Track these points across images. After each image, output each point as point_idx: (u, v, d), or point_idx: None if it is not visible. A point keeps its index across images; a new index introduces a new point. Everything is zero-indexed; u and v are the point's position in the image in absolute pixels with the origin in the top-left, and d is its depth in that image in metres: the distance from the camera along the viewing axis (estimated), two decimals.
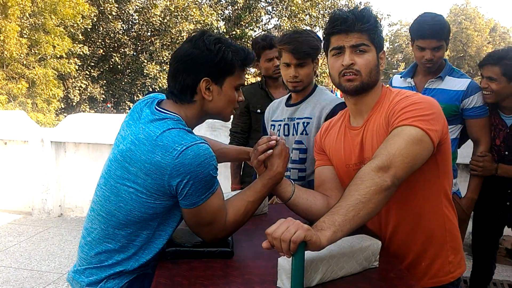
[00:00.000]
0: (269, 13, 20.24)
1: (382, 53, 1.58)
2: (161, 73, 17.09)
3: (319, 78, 20.32)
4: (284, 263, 1.22)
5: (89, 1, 15.26)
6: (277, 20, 19.82)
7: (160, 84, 17.21)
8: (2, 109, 11.61)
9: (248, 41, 17.55)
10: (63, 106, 15.55)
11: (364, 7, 1.60)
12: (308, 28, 20.30)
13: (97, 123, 5.47)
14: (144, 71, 17.03)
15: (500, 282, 3.52)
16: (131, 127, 1.45)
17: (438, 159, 1.49)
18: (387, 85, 1.83)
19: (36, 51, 13.65)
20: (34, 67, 13.39)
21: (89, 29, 15.76)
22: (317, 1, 19.52)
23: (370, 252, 1.35)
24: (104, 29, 16.82)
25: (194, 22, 16.92)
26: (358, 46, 1.50)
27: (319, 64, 2.37)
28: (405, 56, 43.22)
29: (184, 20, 16.91)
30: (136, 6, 17.19)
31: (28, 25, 13.57)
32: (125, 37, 17.54)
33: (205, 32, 1.49)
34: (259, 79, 3.24)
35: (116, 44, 17.86)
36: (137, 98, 17.52)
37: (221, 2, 19.47)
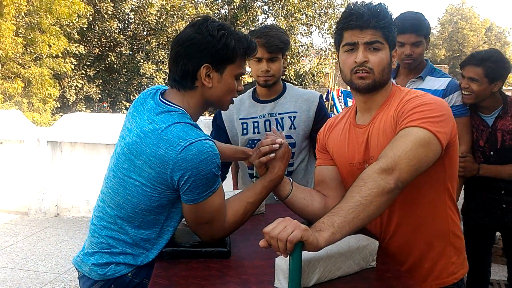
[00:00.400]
0: (265, 12, 20.23)
1: (395, 51, 1.55)
2: (157, 73, 17.06)
3: (315, 77, 20.36)
4: (282, 263, 1.22)
5: (84, 0, 15.20)
6: (274, 20, 19.80)
7: (156, 84, 17.17)
8: None
9: None
10: (59, 106, 15.50)
11: (380, 3, 1.54)
12: (305, 27, 20.33)
13: (93, 122, 5.46)
14: (140, 71, 17.00)
15: (496, 282, 3.53)
16: (136, 118, 1.45)
17: (446, 162, 1.46)
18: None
19: (32, 51, 13.59)
20: (29, 67, 13.33)
21: (85, 28, 15.70)
22: (313, 1, 19.51)
23: (368, 252, 1.35)
24: (100, 28, 16.78)
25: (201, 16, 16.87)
26: (372, 44, 1.46)
27: (287, 62, 2.37)
28: None
29: (180, 20, 16.89)
30: (132, 5, 17.16)
31: (24, 24, 13.50)
32: (121, 37, 17.50)
33: (208, 17, 1.47)
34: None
35: (112, 44, 17.81)
36: (133, 98, 17.47)
37: (217, 2, 19.46)
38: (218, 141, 2.04)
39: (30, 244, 4.53)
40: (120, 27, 17.93)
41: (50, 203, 5.40)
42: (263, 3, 20.00)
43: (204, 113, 1.63)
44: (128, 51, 17.88)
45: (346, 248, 1.30)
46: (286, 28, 18.98)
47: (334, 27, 19.45)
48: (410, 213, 1.50)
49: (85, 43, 16.67)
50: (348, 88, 1.61)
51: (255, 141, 2.26)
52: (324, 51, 21.07)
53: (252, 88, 2.39)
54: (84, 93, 16.81)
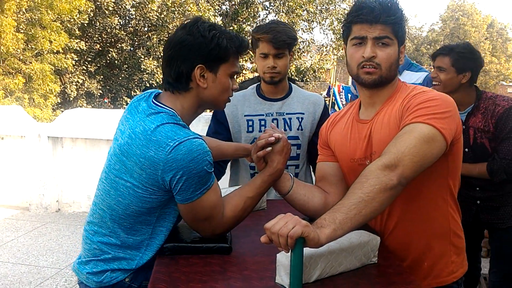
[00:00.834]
0: (266, 8, 20.17)
1: (403, 47, 1.52)
2: (158, 69, 17.00)
3: (316, 73, 20.32)
4: (283, 259, 1.21)
5: None
6: (275, 16, 19.74)
7: (157, 80, 17.16)
8: None
9: (246, 36, 17.49)
10: (60, 101, 15.47)
11: None
12: (306, 23, 20.27)
13: (94, 118, 5.46)
14: (141, 67, 16.96)
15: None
16: (129, 121, 1.45)
17: (449, 159, 1.45)
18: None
19: (33, 46, 13.56)
20: (30, 62, 13.30)
21: (85, 24, 15.66)
22: None
23: (369, 248, 1.35)
24: (101, 24, 16.73)
25: (191, 18, 16.84)
26: (381, 39, 1.44)
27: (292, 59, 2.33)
28: None
29: (181, 16, 16.83)
30: (133, 1, 17.10)
31: (25, 20, 13.48)
32: (122, 32, 17.46)
33: (198, 18, 1.47)
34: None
35: (113, 39, 17.77)
36: (134, 94, 17.45)
37: None
38: (218, 139, 2.02)
39: (31, 239, 4.54)
40: (121, 23, 17.88)
41: (51, 199, 5.40)
42: None
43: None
44: (129, 47, 17.85)
45: (348, 244, 1.30)
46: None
47: (335, 23, 19.51)
48: (411, 210, 1.49)
49: (86, 39, 16.64)
50: (349, 84, 1.61)
51: None
52: (325, 47, 21.02)
53: (255, 85, 2.33)
54: (85, 89, 16.79)
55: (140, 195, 1.40)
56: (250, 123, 2.23)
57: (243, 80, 4.41)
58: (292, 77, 17.27)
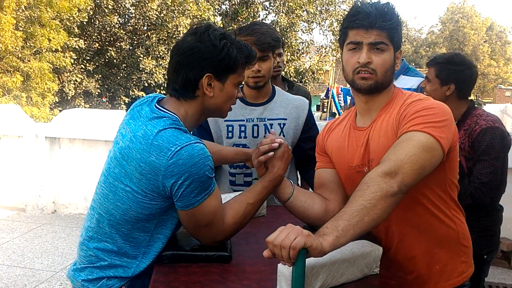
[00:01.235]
0: (266, 8, 20.21)
1: (399, 53, 1.52)
2: (157, 68, 17.01)
3: (315, 75, 20.34)
4: (284, 269, 1.19)
5: None
6: (275, 16, 19.78)
7: (156, 79, 17.12)
8: None
9: None
10: (57, 100, 15.44)
11: (387, 2, 1.50)
12: (306, 24, 20.29)
13: (92, 118, 5.43)
14: (140, 66, 16.95)
15: (496, 285, 3.51)
16: (131, 125, 1.43)
17: (447, 166, 1.45)
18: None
19: (31, 44, 13.52)
20: (29, 61, 13.27)
21: (85, 23, 15.64)
22: None
23: (371, 258, 1.33)
24: (100, 23, 16.71)
25: (191, 17, 16.84)
26: (376, 44, 1.43)
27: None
28: None
29: (181, 15, 16.82)
30: (133, 0, 17.09)
31: (24, 18, 13.43)
32: (121, 31, 17.45)
33: (210, 25, 1.45)
34: None
35: (112, 38, 17.76)
36: (133, 93, 17.44)
37: None
38: (217, 144, 1.99)
39: (26, 241, 4.50)
40: (121, 21, 17.87)
41: (48, 200, 5.37)
42: None
43: None
44: (128, 46, 17.83)
45: (350, 255, 1.28)
46: (287, 25, 18.96)
47: (335, 24, 19.55)
48: (413, 219, 1.48)
49: (85, 38, 16.62)
50: (349, 86, 1.59)
51: (241, 146, 2.11)
52: (325, 49, 21.06)
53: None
54: (83, 88, 16.76)
55: (139, 200, 1.37)
56: (230, 128, 2.15)
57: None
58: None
